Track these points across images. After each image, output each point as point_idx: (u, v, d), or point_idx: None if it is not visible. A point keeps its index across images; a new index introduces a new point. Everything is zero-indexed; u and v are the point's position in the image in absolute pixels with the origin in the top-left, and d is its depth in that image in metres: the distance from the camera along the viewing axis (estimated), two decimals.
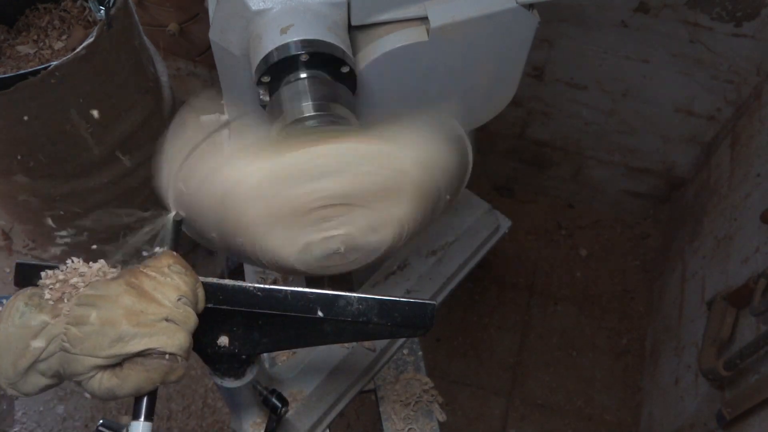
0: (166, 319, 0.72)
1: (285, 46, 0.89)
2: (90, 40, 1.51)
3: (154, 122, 1.84)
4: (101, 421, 0.81)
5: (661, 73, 2.03)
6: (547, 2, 0.99)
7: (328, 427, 1.22)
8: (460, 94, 1.09)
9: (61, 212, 1.82)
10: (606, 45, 2.00)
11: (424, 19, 0.97)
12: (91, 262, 0.79)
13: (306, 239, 0.87)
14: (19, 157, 1.63)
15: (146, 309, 0.72)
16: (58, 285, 0.75)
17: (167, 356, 0.72)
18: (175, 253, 0.80)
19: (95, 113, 1.62)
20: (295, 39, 0.89)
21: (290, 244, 0.86)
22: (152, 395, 0.76)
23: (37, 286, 0.77)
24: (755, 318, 1.59)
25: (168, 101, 1.93)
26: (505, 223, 1.46)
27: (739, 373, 1.59)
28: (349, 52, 0.93)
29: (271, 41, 0.90)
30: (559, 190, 2.65)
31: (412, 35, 0.97)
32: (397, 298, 0.86)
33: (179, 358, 0.73)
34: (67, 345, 0.71)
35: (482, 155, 2.60)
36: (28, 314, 0.72)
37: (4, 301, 0.75)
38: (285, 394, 1.13)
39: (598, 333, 2.41)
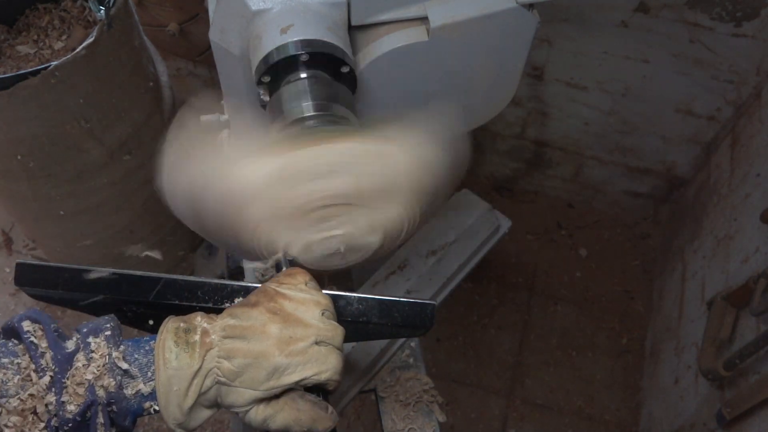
0: (316, 342, 0.72)
1: (285, 46, 0.89)
2: (90, 40, 1.51)
3: (154, 122, 1.84)
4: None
5: (661, 73, 2.03)
6: (546, 2, 0.99)
7: None
8: (460, 94, 1.09)
9: (61, 212, 1.82)
10: (606, 45, 2.01)
11: (424, 19, 0.97)
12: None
13: (307, 239, 0.87)
14: (19, 157, 1.63)
15: (295, 334, 0.71)
16: (202, 322, 0.74)
17: (319, 395, 0.73)
18: (302, 268, 0.80)
19: (95, 113, 1.63)
20: (295, 39, 0.89)
21: (291, 243, 0.87)
22: None
23: (175, 318, 0.75)
24: (755, 318, 1.59)
25: (168, 101, 1.93)
26: (506, 223, 1.47)
27: (739, 373, 1.59)
28: (349, 52, 0.93)
29: (271, 41, 0.90)
30: (559, 190, 2.65)
31: (412, 35, 0.97)
32: (398, 298, 0.86)
33: (333, 382, 0.73)
34: (223, 379, 0.71)
35: (482, 155, 2.60)
36: (182, 354, 0.71)
37: (151, 343, 0.74)
38: None
39: (598, 333, 2.41)
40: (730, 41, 1.85)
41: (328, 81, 0.92)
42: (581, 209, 2.66)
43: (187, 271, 2.30)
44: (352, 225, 0.88)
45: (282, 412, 0.73)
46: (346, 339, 0.85)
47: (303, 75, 0.91)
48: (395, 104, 1.04)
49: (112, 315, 0.77)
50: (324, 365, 0.72)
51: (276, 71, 0.91)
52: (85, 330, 0.74)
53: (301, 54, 0.89)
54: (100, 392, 0.70)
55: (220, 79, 1.05)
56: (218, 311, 0.82)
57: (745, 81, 1.95)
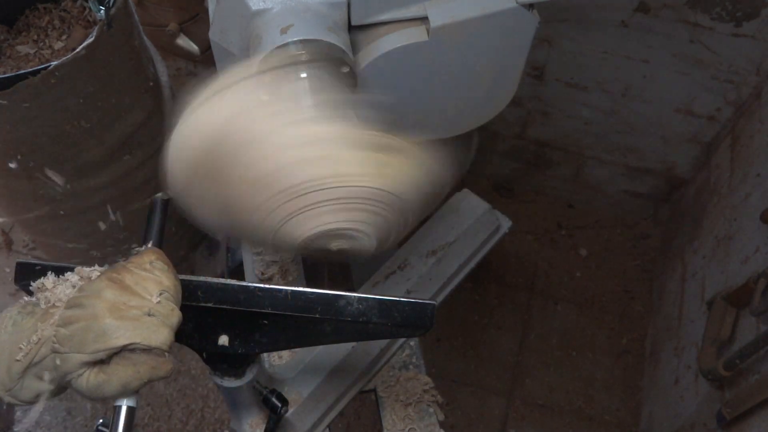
0: (149, 314, 0.72)
1: (285, 46, 0.89)
2: (90, 40, 1.51)
3: (154, 122, 1.84)
4: (101, 420, 0.81)
5: (661, 73, 2.03)
6: (547, 2, 0.99)
7: (328, 426, 1.22)
8: (461, 94, 1.09)
9: (61, 212, 1.82)
10: (606, 45, 2.00)
11: (424, 19, 0.97)
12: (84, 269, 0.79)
13: (304, 236, 0.87)
14: (19, 157, 1.63)
15: (129, 302, 0.72)
16: (48, 294, 0.75)
17: (153, 351, 0.72)
18: (158, 249, 0.80)
19: (95, 113, 1.62)
20: (294, 39, 0.89)
21: (290, 239, 0.87)
22: (131, 411, 0.75)
23: (31, 294, 0.77)
24: (755, 318, 1.59)
25: (168, 101, 1.93)
26: (506, 223, 1.47)
27: (739, 373, 1.59)
28: (349, 51, 0.93)
29: (271, 41, 0.90)
30: (559, 190, 2.65)
31: (412, 35, 0.97)
32: (398, 298, 0.86)
33: (165, 353, 0.72)
34: (56, 345, 0.71)
35: (482, 155, 2.60)
36: (20, 322, 0.72)
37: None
38: (285, 393, 1.13)
39: (598, 333, 2.41)
40: (731, 41, 1.85)
41: (329, 81, 0.92)
42: (581, 209, 2.66)
43: (187, 271, 2.30)
44: (352, 223, 0.88)
45: (116, 374, 0.72)
46: (345, 339, 0.86)
47: (303, 75, 0.91)
48: (395, 104, 1.04)
49: None
50: (154, 334, 0.71)
51: (276, 71, 0.90)
52: None
53: (301, 54, 0.89)
54: None
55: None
56: (219, 311, 0.82)
57: (745, 81, 1.95)
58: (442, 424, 1.22)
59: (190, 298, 0.82)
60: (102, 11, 1.53)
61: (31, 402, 0.75)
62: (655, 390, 2.16)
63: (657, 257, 2.53)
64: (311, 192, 0.83)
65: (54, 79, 1.48)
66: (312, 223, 0.87)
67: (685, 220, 2.29)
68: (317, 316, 0.84)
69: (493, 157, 2.59)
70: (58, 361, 0.71)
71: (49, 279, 0.77)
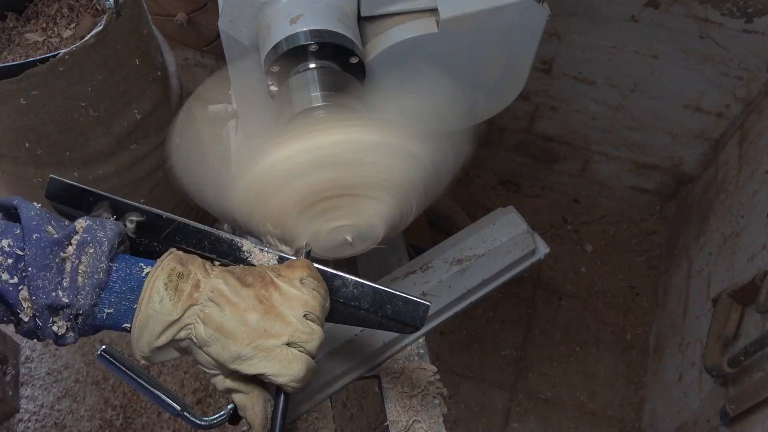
0: (288, 344, 0.74)
1: (294, 36, 0.89)
2: (98, 28, 1.51)
3: (161, 112, 1.85)
4: (103, 347, 0.83)
5: (670, 69, 2.02)
6: None
7: (329, 398, 1.22)
8: (469, 86, 1.09)
9: None
10: (615, 40, 2.00)
11: (434, 11, 0.97)
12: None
13: (315, 229, 0.87)
14: (26, 145, 1.63)
15: (270, 328, 0.73)
16: (199, 273, 0.76)
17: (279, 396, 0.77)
18: (308, 262, 0.81)
19: (103, 102, 1.63)
20: (304, 29, 0.89)
21: (299, 233, 0.87)
22: (282, 424, 0.80)
23: (177, 256, 0.78)
24: (761, 315, 1.59)
25: (176, 91, 1.93)
26: (543, 249, 1.40)
27: (744, 370, 1.59)
28: (358, 42, 0.93)
29: (280, 31, 0.90)
30: (565, 185, 2.65)
31: (422, 27, 0.97)
32: (394, 291, 0.85)
33: (289, 388, 0.75)
34: (194, 339, 0.74)
35: (489, 149, 2.60)
36: (167, 300, 0.74)
37: (147, 270, 0.77)
38: None
39: (603, 328, 2.41)
40: (741, 37, 1.84)
41: (337, 72, 0.92)
42: (587, 204, 2.66)
43: None
44: (359, 216, 0.88)
45: (244, 395, 0.77)
46: (335, 320, 0.86)
47: (312, 65, 0.91)
48: (404, 96, 1.04)
49: (119, 224, 0.80)
50: (285, 369, 0.74)
51: (285, 61, 0.91)
52: (85, 235, 0.76)
53: (311, 44, 0.89)
54: (64, 299, 0.73)
55: (229, 69, 1.05)
56: (222, 265, 0.83)
57: (755, 77, 1.94)
58: (445, 417, 1.22)
59: (196, 246, 0.84)
60: (111, 0, 1.53)
61: (157, 363, 0.81)
62: (659, 386, 2.16)
63: (663, 253, 2.53)
64: (326, 193, 0.83)
65: (62, 67, 1.48)
66: (324, 217, 0.87)
67: (691, 216, 2.28)
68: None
69: (499, 152, 2.59)
70: (193, 350, 0.76)
71: (198, 259, 0.79)
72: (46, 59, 1.45)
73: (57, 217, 0.79)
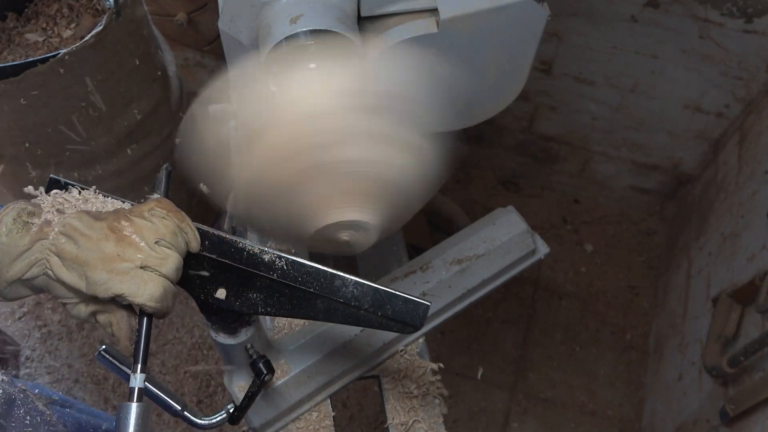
0: (142, 266, 0.76)
1: (294, 36, 0.89)
2: (98, 28, 1.51)
3: (161, 112, 1.85)
4: (103, 347, 0.83)
5: (670, 69, 2.02)
6: None
7: (329, 397, 1.22)
8: (469, 86, 1.09)
9: None
10: (615, 40, 2.00)
11: (434, 11, 0.97)
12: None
13: (319, 225, 0.88)
14: (27, 145, 1.63)
15: (123, 254, 0.76)
16: (49, 213, 0.79)
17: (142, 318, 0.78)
18: (161, 197, 0.84)
19: (103, 102, 1.63)
20: (304, 29, 0.89)
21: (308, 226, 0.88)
22: (145, 349, 0.80)
23: (30, 201, 0.81)
24: (760, 315, 1.59)
25: (175, 91, 1.93)
26: (543, 249, 1.41)
27: (743, 370, 1.59)
28: (358, 42, 0.93)
29: (280, 31, 0.90)
30: (565, 185, 2.65)
31: (422, 27, 0.97)
32: (394, 291, 0.85)
33: (148, 308, 0.77)
34: (50, 272, 0.76)
35: (489, 149, 2.60)
36: (14, 233, 0.76)
37: None
38: (280, 364, 1.14)
39: (603, 328, 2.41)
40: (741, 37, 1.84)
41: (337, 72, 0.92)
42: (587, 204, 2.66)
43: None
44: (359, 213, 0.88)
45: (108, 313, 0.79)
46: (335, 320, 0.86)
47: (312, 65, 0.91)
48: (404, 96, 1.04)
49: None
50: (141, 289, 0.76)
51: (285, 61, 0.90)
52: None
53: (311, 44, 0.89)
54: None
55: (229, 69, 1.05)
56: (221, 264, 0.84)
57: (754, 77, 1.94)
58: (445, 417, 1.22)
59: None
60: (111, 0, 1.53)
61: (14, 300, 0.82)
62: (659, 386, 2.16)
63: (663, 253, 2.53)
64: (323, 179, 0.84)
65: (62, 67, 1.48)
66: (325, 215, 0.88)
67: (691, 216, 2.28)
68: (311, 290, 0.84)
69: (499, 152, 2.59)
70: (50, 283, 0.77)
71: (55, 199, 0.82)
72: (46, 59, 1.45)
73: None
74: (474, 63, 1.04)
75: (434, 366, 1.25)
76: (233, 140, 1.22)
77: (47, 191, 0.86)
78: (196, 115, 1.05)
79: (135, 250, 0.76)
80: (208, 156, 0.89)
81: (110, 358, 0.87)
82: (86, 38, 1.50)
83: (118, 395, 2.19)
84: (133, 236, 0.77)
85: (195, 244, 0.82)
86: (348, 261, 1.40)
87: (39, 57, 1.46)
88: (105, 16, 1.53)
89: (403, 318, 0.85)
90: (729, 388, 1.66)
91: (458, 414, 2.23)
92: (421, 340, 1.29)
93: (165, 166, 0.93)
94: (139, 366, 0.79)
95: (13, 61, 1.61)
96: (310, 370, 1.17)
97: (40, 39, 1.73)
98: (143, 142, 1.81)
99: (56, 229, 0.77)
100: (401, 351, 1.27)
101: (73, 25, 1.75)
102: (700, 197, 2.25)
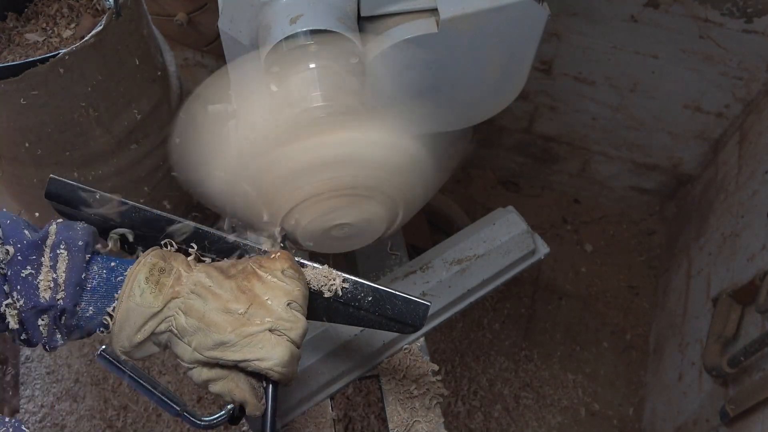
0: (271, 330, 0.73)
1: (294, 36, 0.89)
2: (98, 28, 1.51)
3: (161, 112, 1.84)
4: (103, 347, 0.83)
5: (670, 69, 2.02)
6: None
7: (330, 397, 1.22)
8: (469, 86, 1.09)
9: None
10: (615, 40, 2.00)
11: (434, 11, 0.97)
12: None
13: (318, 225, 0.88)
14: (26, 145, 1.63)
15: (253, 317, 0.73)
16: (181, 268, 0.77)
17: (267, 385, 0.76)
18: (290, 254, 0.81)
19: (103, 102, 1.63)
20: (304, 29, 0.89)
21: (303, 228, 0.88)
22: (273, 414, 0.78)
23: (160, 252, 0.78)
24: (760, 315, 1.59)
25: (175, 91, 1.93)
26: (543, 249, 1.41)
27: (744, 370, 1.59)
28: (358, 42, 0.93)
29: (280, 31, 0.90)
30: (565, 185, 2.65)
31: (422, 27, 0.97)
32: (394, 291, 0.85)
33: (273, 374, 0.74)
34: (175, 331, 0.74)
35: (489, 149, 2.60)
36: (147, 293, 0.74)
37: (128, 265, 0.77)
38: None
39: (603, 328, 2.41)
40: (741, 37, 1.84)
41: (337, 71, 0.92)
42: (587, 204, 2.66)
43: None
44: (359, 213, 0.88)
45: (223, 380, 0.76)
46: (335, 320, 0.86)
47: (312, 65, 0.91)
48: (404, 96, 1.04)
49: (89, 226, 0.80)
50: (268, 353, 0.73)
51: (285, 61, 0.91)
52: (59, 237, 0.76)
53: (311, 44, 0.89)
54: (46, 297, 0.73)
55: (229, 68, 1.05)
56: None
57: (754, 77, 1.94)
58: (445, 417, 1.22)
59: (196, 246, 0.84)
60: (111, 0, 1.53)
61: (139, 359, 0.79)
62: (659, 386, 2.16)
63: (663, 253, 2.53)
64: (326, 190, 0.84)
65: (62, 67, 1.48)
66: (324, 215, 0.88)
67: (691, 216, 2.28)
68: (311, 290, 0.84)
69: (499, 152, 2.59)
70: (173, 342, 0.75)
71: (181, 256, 0.79)
72: (46, 59, 1.45)
73: (31, 223, 0.79)
74: (474, 63, 1.04)
75: (434, 366, 1.24)
76: (233, 140, 1.22)
77: (47, 191, 0.85)
78: (194, 114, 1.05)
79: (266, 313, 0.74)
80: (207, 155, 0.89)
81: (111, 359, 0.87)
82: (86, 38, 1.50)
83: (118, 395, 2.19)
84: (265, 297, 0.74)
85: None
86: (348, 261, 1.40)
87: (39, 57, 1.46)
88: (105, 16, 1.53)
89: (403, 318, 0.85)
90: (729, 388, 1.66)
91: (458, 413, 2.23)
92: (421, 341, 1.29)
93: (280, 229, 0.90)
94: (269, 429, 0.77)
95: (13, 61, 1.61)
96: (310, 370, 1.17)
97: (40, 39, 1.73)
98: (143, 142, 1.81)
99: (188, 288, 0.74)
100: (401, 351, 1.27)
101: (73, 25, 1.75)
102: (700, 197, 2.25)
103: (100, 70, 1.57)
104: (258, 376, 0.77)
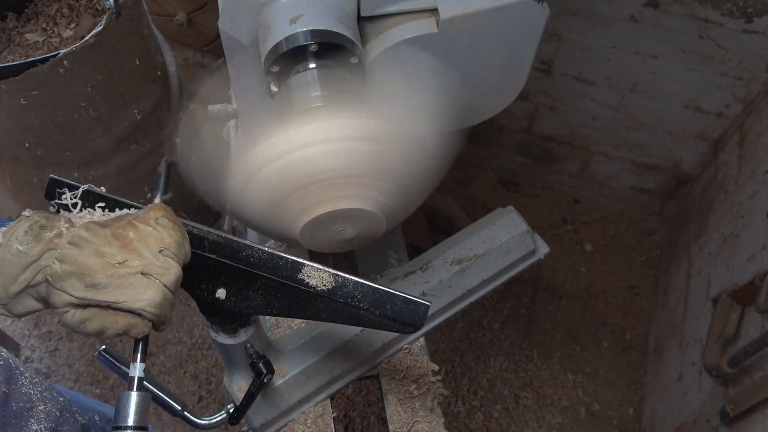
0: (143, 272, 0.75)
1: (294, 36, 0.89)
2: (99, 28, 1.51)
3: (161, 112, 1.85)
4: (103, 347, 0.83)
5: (670, 69, 2.02)
6: None
7: (330, 397, 1.22)
8: (469, 86, 1.09)
9: None
10: (615, 40, 2.00)
11: (434, 11, 0.97)
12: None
13: (318, 221, 0.88)
14: (27, 145, 1.63)
15: (126, 260, 0.75)
16: (62, 225, 0.78)
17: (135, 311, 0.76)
18: (165, 206, 0.83)
19: (103, 102, 1.63)
20: (304, 29, 0.89)
21: (303, 225, 0.88)
22: (144, 340, 0.80)
23: (44, 214, 0.80)
24: (760, 315, 1.59)
25: (175, 91, 1.93)
26: (543, 249, 1.41)
27: (744, 370, 1.59)
28: (358, 42, 0.93)
29: (280, 31, 0.90)
30: (565, 185, 2.65)
31: (422, 27, 0.97)
32: (394, 291, 0.85)
33: (146, 313, 0.75)
34: (50, 278, 0.75)
35: (489, 149, 2.60)
36: (25, 244, 0.76)
37: (7, 224, 0.79)
38: (279, 364, 1.14)
39: (603, 328, 2.41)
40: (741, 37, 1.84)
41: (337, 71, 0.92)
42: (587, 204, 2.66)
43: None
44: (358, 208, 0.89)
45: (97, 317, 0.76)
46: (335, 320, 0.86)
47: (312, 65, 0.91)
48: (404, 96, 1.04)
49: None
50: (139, 294, 0.75)
51: (285, 61, 0.91)
52: None
53: (310, 44, 0.89)
54: None
55: (229, 69, 1.05)
56: (221, 264, 0.85)
57: (754, 78, 1.94)
58: (445, 417, 1.22)
59: (196, 246, 0.85)
60: (111, 0, 1.53)
61: (22, 316, 0.80)
62: (659, 386, 2.16)
63: (662, 253, 2.53)
64: (323, 180, 0.84)
65: (62, 67, 1.48)
66: (322, 205, 0.88)
67: (691, 216, 2.28)
68: (311, 290, 0.84)
69: (499, 152, 2.59)
70: (49, 291, 0.76)
71: (69, 215, 0.81)
72: (46, 59, 1.46)
73: None
74: (474, 63, 1.04)
75: (434, 366, 1.24)
76: (233, 140, 1.22)
77: (47, 191, 0.86)
78: (195, 114, 1.05)
79: (137, 257, 0.75)
80: (207, 155, 0.90)
81: (110, 358, 0.87)
82: (86, 38, 1.50)
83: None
84: (137, 244, 0.76)
85: (188, 258, 0.82)
86: (348, 261, 1.40)
87: (39, 57, 1.46)
88: (105, 16, 1.53)
89: (403, 318, 0.85)
90: (729, 388, 1.66)
91: (458, 413, 2.23)
92: (421, 340, 1.29)
93: (165, 158, 0.92)
94: (139, 356, 0.79)
95: (13, 61, 1.62)
96: (310, 370, 1.17)
97: (40, 39, 1.73)
98: (143, 142, 1.81)
99: (65, 240, 0.76)
100: (401, 351, 1.27)
101: (73, 25, 1.75)
102: (700, 197, 2.25)
103: (100, 70, 1.57)
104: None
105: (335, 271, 0.85)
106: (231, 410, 0.97)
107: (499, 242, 1.33)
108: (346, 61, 0.92)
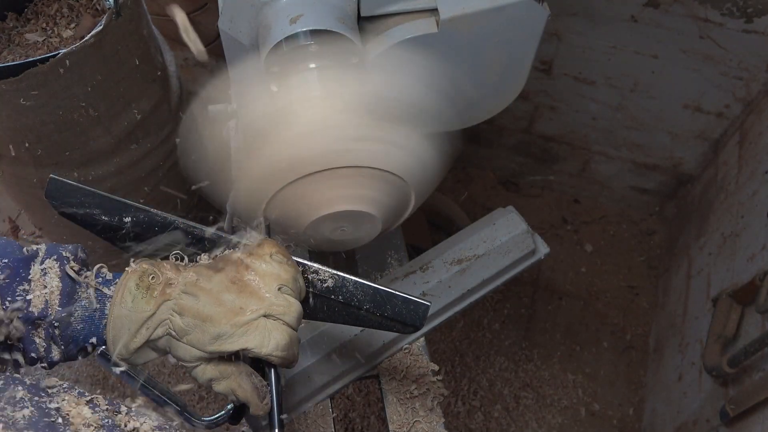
0: (265, 315, 0.74)
1: (294, 36, 0.89)
2: (98, 28, 1.51)
3: (161, 112, 1.84)
4: (102, 347, 0.83)
5: (670, 69, 2.02)
6: None
7: (330, 397, 1.22)
8: (469, 86, 1.09)
9: None
10: (615, 40, 2.00)
11: (433, 11, 0.97)
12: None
13: (317, 219, 0.89)
14: (26, 145, 1.63)
15: (245, 305, 0.73)
16: (169, 272, 0.77)
17: (270, 369, 0.76)
18: (275, 241, 0.81)
19: (103, 102, 1.63)
20: (304, 29, 0.89)
21: (304, 222, 0.88)
22: (279, 396, 0.79)
23: (149, 261, 0.79)
24: (761, 315, 1.59)
25: (175, 91, 1.93)
26: (543, 249, 1.41)
27: (744, 370, 1.59)
28: (358, 42, 0.93)
29: (280, 31, 0.90)
30: (565, 185, 2.65)
31: (422, 27, 0.97)
32: (394, 291, 0.85)
33: (274, 358, 0.75)
34: (173, 333, 0.74)
35: (489, 149, 2.60)
36: (139, 298, 0.74)
37: (117, 279, 0.78)
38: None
39: (603, 328, 2.41)
40: (741, 37, 1.84)
41: (338, 72, 0.92)
42: (587, 204, 2.66)
43: None
44: (357, 205, 0.89)
45: (226, 380, 0.76)
46: (335, 320, 0.87)
47: (312, 65, 0.91)
48: (404, 96, 1.04)
49: (76, 244, 0.82)
50: (266, 339, 0.74)
51: (285, 61, 0.91)
52: (48, 252, 0.77)
53: (310, 44, 0.89)
54: (38, 309, 0.73)
55: (229, 69, 1.05)
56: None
57: (754, 77, 1.94)
58: (445, 417, 1.22)
59: (196, 245, 0.84)
60: (111, 0, 1.53)
61: (140, 364, 0.79)
62: (659, 386, 2.16)
63: (663, 253, 2.53)
64: (323, 172, 0.85)
65: (62, 67, 1.48)
66: (323, 205, 0.88)
67: (691, 216, 2.28)
68: (310, 289, 0.84)
69: (499, 152, 2.59)
70: (172, 345, 0.75)
71: (167, 263, 0.79)
72: (46, 59, 1.45)
73: (19, 243, 0.80)
74: (474, 63, 1.04)
75: (434, 366, 1.24)
76: (233, 140, 1.22)
77: (47, 191, 0.86)
78: (196, 114, 1.05)
79: (258, 300, 0.74)
80: (208, 155, 0.90)
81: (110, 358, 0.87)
82: (86, 38, 1.50)
83: (117, 395, 2.19)
84: (255, 285, 0.75)
85: (303, 293, 0.80)
86: (348, 261, 1.40)
87: (39, 57, 1.46)
88: (105, 16, 1.53)
89: (403, 318, 0.85)
90: (729, 388, 1.66)
91: (458, 413, 2.23)
92: (421, 341, 1.29)
93: (263, 218, 0.91)
94: (276, 419, 0.78)
95: (13, 61, 1.61)
96: (310, 370, 1.17)
97: (40, 39, 1.73)
98: (143, 142, 1.81)
99: (179, 289, 0.74)
100: (401, 351, 1.27)
101: (73, 25, 1.75)
102: (700, 197, 2.25)
103: (100, 70, 1.57)
104: (261, 363, 0.78)
105: (335, 271, 0.85)
106: (231, 410, 0.97)
107: (499, 242, 1.33)
108: (346, 61, 0.92)
